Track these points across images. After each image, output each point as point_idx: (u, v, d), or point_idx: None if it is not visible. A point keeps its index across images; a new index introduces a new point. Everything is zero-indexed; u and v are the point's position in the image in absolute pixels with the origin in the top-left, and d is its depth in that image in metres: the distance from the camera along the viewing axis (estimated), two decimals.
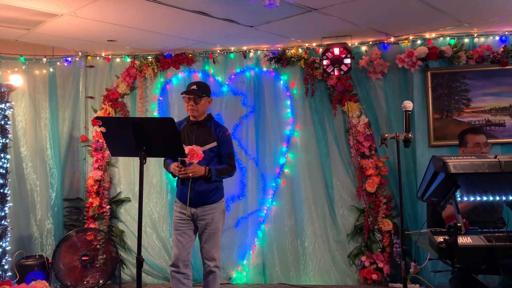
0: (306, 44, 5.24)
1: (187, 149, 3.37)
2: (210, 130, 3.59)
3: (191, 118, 3.64)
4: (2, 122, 4.51)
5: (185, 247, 3.54)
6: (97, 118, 4.36)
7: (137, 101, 5.51)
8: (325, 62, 4.82)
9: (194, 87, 3.57)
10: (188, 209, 3.54)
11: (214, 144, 3.54)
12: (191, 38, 4.93)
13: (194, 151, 3.37)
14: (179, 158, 3.42)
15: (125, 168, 5.52)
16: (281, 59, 5.26)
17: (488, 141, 3.50)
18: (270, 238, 5.24)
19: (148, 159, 2.71)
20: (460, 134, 3.57)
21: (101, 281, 4.99)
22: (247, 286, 5.10)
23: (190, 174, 3.40)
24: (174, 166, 3.47)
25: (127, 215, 5.46)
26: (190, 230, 3.58)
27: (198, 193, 3.50)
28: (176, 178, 3.64)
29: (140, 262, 2.61)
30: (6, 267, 4.47)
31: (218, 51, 5.43)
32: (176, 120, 2.93)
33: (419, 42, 4.97)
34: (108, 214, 5.35)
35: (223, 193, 3.70)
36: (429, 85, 4.92)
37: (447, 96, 4.91)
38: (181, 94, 3.67)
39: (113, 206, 5.43)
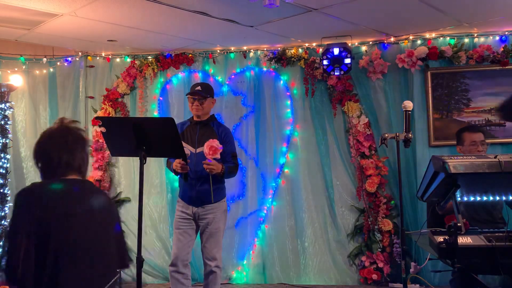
0: (306, 44, 5.24)
1: (206, 144, 3.35)
2: (212, 130, 3.61)
3: (195, 118, 3.66)
4: (2, 122, 4.51)
5: (185, 246, 3.54)
6: (97, 118, 4.36)
7: (137, 101, 5.50)
8: (325, 62, 4.82)
9: (199, 88, 3.60)
10: (192, 208, 3.55)
11: None
12: (191, 38, 4.93)
13: (215, 147, 3.34)
14: (189, 157, 3.41)
15: (125, 168, 5.52)
16: (281, 59, 5.26)
17: (487, 140, 3.50)
18: (270, 238, 5.24)
19: (148, 159, 2.70)
20: (457, 132, 3.57)
21: None
22: (247, 286, 5.10)
23: (214, 168, 3.37)
24: (176, 163, 3.45)
25: (127, 215, 5.45)
26: (191, 229, 3.58)
27: (200, 192, 3.51)
28: (179, 177, 3.65)
29: (140, 262, 2.61)
30: None
31: (218, 51, 5.43)
32: (176, 120, 2.93)
33: (419, 42, 4.97)
34: None
35: (225, 193, 3.70)
36: (429, 85, 4.92)
37: (447, 96, 4.91)
38: (186, 95, 3.68)
39: None
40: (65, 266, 1.85)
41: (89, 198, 2.01)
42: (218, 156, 3.35)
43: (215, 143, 3.35)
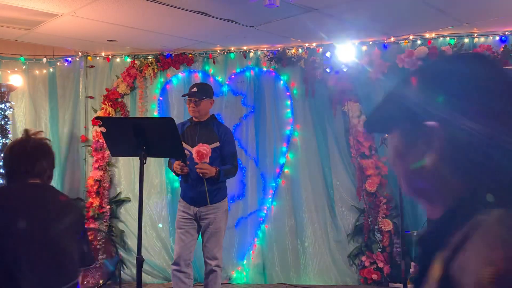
0: (306, 44, 5.24)
1: (194, 149, 3.36)
2: (213, 130, 3.61)
3: (194, 119, 3.67)
4: (2, 122, 4.51)
5: (187, 245, 3.56)
6: (97, 118, 4.36)
7: (137, 101, 5.50)
8: (325, 62, 4.82)
9: (195, 89, 3.60)
10: (193, 208, 3.56)
11: (217, 144, 3.56)
12: (191, 38, 4.93)
13: (202, 152, 3.35)
14: (191, 157, 3.42)
15: (125, 168, 5.52)
16: (281, 59, 5.26)
17: None
18: (270, 238, 5.24)
19: (148, 159, 2.71)
20: None
21: (101, 281, 4.98)
22: (247, 286, 5.10)
23: (207, 172, 3.39)
24: (176, 164, 3.49)
25: (127, 215, 5.46)
26: (193, 229, 3.60)
27: (200, 192, 3.52)
28: (180, 178, 3.66)
29: (140, 262, 2.61)
30: None
31: (218, 51, 5.43)
32: (176, 120, 2.93)
33: (419, 42, 4.97)
34: (108, 214, 5.35)
35: (226, 193, 3.71)
36: None
37: None
38: (182, 96, 3.69)
39: (113, 206, 5.43)
40: (24, 267, 1.91)
41: (48, 200, 2.12)
42: (207, 160, 3.38)
43: (202, 147, 3.37)
